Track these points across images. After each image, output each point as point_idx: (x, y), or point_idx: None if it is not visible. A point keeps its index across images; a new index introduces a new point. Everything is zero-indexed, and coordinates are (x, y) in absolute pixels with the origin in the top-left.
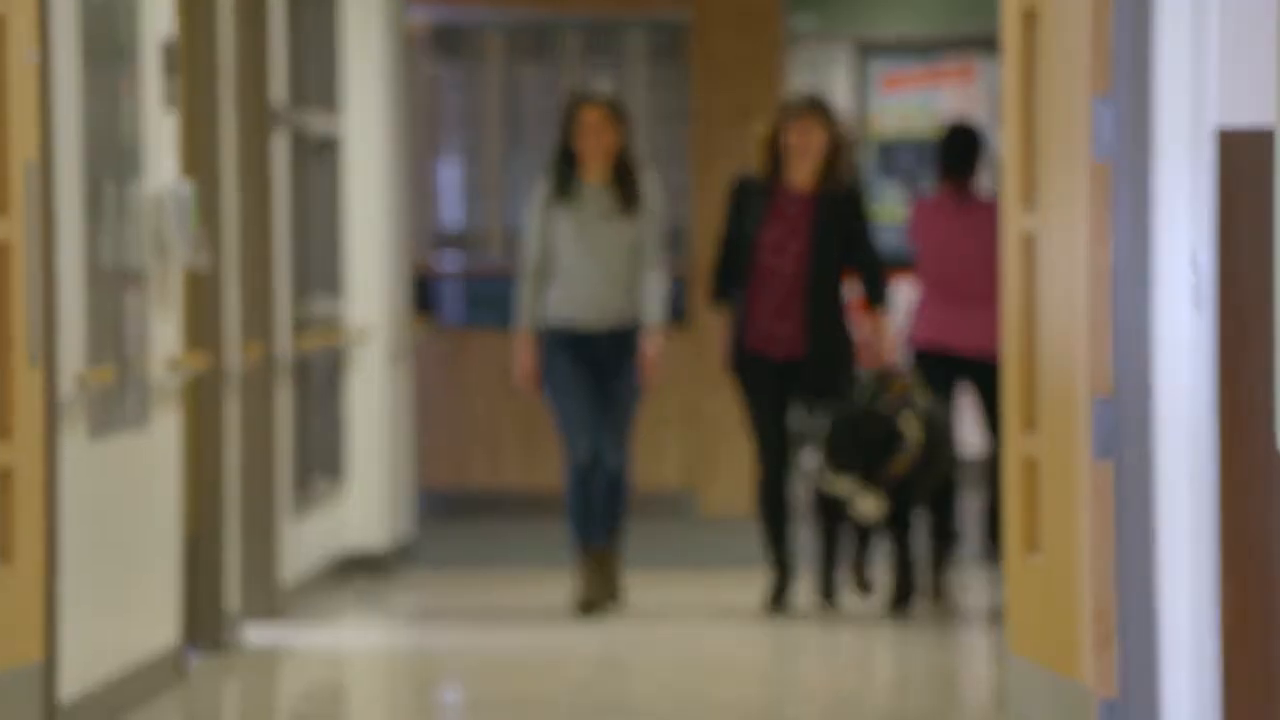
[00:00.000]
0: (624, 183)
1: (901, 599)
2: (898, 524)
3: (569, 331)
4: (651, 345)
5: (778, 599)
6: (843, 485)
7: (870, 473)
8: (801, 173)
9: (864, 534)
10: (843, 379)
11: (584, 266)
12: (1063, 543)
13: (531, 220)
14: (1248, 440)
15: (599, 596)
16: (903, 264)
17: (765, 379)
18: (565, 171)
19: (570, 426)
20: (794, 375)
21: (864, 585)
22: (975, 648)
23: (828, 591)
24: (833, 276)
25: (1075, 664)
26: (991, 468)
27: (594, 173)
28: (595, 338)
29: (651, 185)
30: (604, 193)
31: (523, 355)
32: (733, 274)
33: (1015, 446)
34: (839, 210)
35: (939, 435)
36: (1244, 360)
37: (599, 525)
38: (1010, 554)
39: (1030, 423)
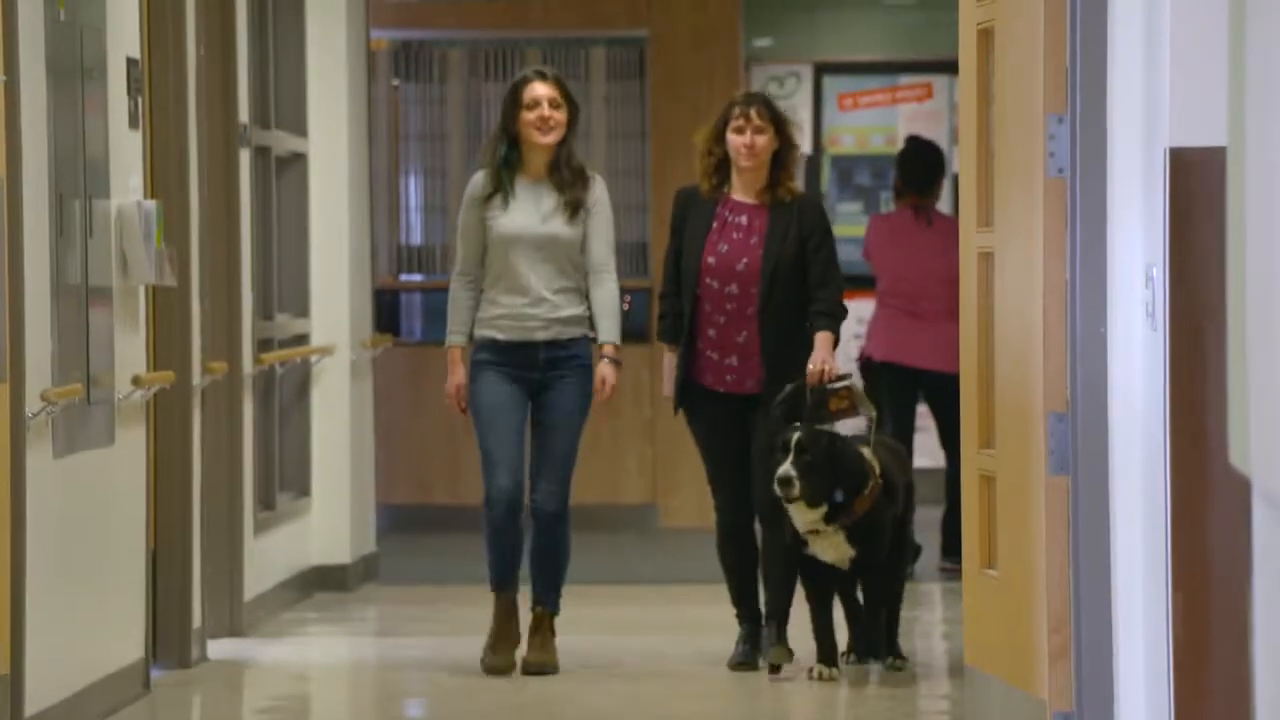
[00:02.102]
0: (567, 180)
1: (864, 659)
2: (866, 572)
3: (503, 344)
4: (609, 366)
5: (751, 654)
6: (807, 519)
7: (835, 510)
8: (748, 180)
9: (824, 583)
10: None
11: (522, 271)
12: (1019, 557)
13: (463, 221)
14: (1201, 455)
15: (509, 662)
16: (860, 282)
17: (717, 417)
18: (506, 164)
19: (491, 459)
20: (750, 411)
21: (829, 658)
22: (933, 660)
23: (776, 656)
24: (789, 298)
25: (1031, 677)
26: (949, 482)
27: (534, 168)
28: (532, 352)
29: (599, 188)
30: (545, 190)
31: (452, 371)
32: (680, 302)
33: (972, 461)
34: (795, 222)
35: (893, 468)
36: (1197, 375)
37: (534, 583)
38: (967, 568)
39: (987, 438)
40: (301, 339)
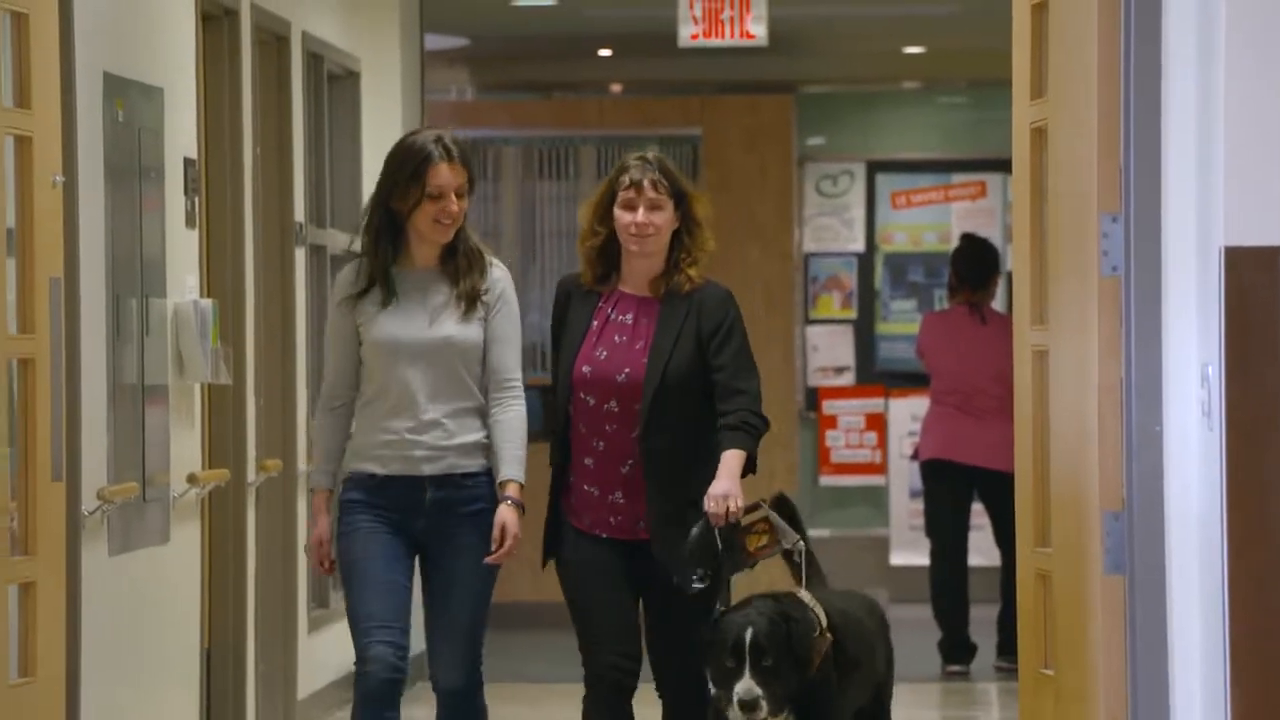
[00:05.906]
0: (461, 267)
1: None
2: None
3: (381, 480)
4: (510, 511)
5: None
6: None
7: (774, 690)
8: (639, 267)
9: None
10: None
11: (407, 386)
12: (1076, 656)
13: (331, 328)
14: (1258, 553)
15: None
16: (913, 379)
17: (599, 567)
18: (388, 253)
19: (364, 622)
20: (644, 563)
21: None
22: None
23: None
24: (684, 417)
25: None
26: (1004, 580)
27: (421, 255)
28: (416, 492)
29: (500, 277)
30: (433, 281)
31: (318, 517)
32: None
33: (1028, 559)
34: (693, 318)
35: (854, 624)
36: (1254, 473)
37: None
38: (1024, 667)
39: (1043, 536)
40: None
